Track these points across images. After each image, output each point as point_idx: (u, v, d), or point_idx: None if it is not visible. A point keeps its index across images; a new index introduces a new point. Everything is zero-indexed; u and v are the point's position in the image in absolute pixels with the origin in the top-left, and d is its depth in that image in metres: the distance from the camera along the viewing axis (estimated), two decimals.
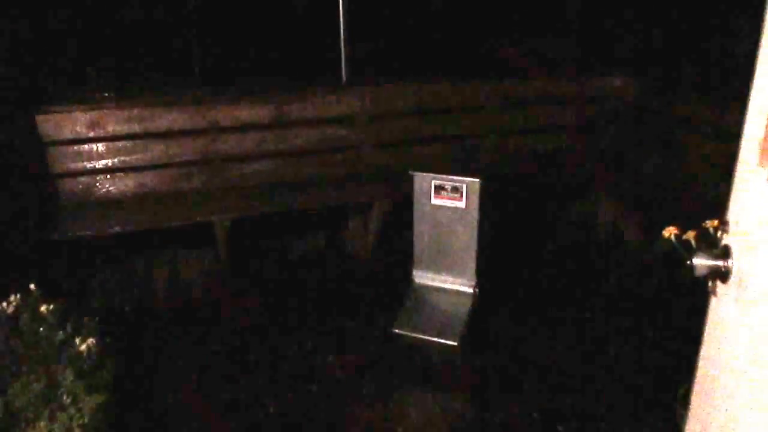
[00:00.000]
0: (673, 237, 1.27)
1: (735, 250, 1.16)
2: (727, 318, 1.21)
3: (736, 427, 1.20)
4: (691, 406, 1.39)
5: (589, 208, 4.69)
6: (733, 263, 1.16)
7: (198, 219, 3.82)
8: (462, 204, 3.39)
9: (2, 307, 2.46)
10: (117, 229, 3.65)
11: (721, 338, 1.24)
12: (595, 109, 4.81)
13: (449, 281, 3.56)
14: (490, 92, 4.63)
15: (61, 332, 2.44)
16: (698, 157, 3.97)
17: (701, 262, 1.18)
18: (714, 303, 1.25)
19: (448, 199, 3.41)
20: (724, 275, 1.18)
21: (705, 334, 1.30)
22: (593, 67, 5.11)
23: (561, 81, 4.80)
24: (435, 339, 3.33)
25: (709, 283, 1.24)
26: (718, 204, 1.26)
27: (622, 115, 4.72)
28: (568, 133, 4.83)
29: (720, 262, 1.17)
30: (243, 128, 4.15)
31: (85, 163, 3.88)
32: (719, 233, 1.22)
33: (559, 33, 5.82)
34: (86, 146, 3.87)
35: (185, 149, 4.06)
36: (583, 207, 4.76)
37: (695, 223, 1.27)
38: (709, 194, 3.62)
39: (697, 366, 1.33)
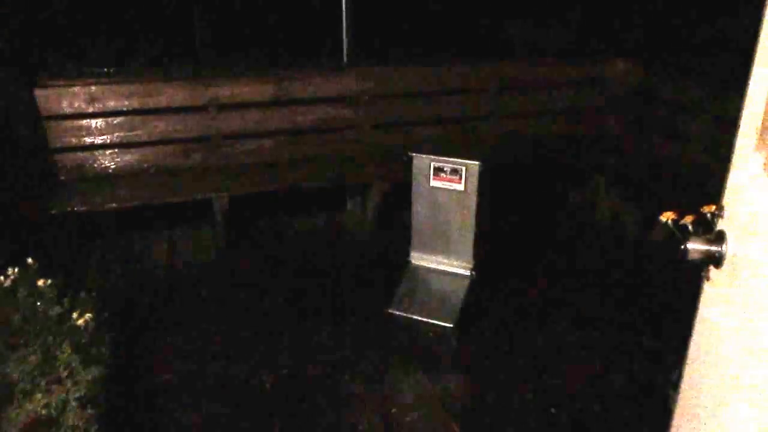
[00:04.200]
0: (670, 222, 1.27)
1: (729, 236, 1.16)
2: (719, 303, 1.21)
3: (726, 412, 1.21)
4: (681, 391, 1.40)
5: (589, 194, 4.69)
6: (727, 248, 1.16)
7: (197, 196, 3.82)
8: (461, 186, 3.38)
9: (0, 281, 2.47)
10: (115, 204, 3.65)
11: (713, 323, 1.24)
12: (597, 93, 4.79)
13: (446, 263, 3.56)
14: (492, 75, 4.61)
15: (58, 306, 2.45)
16: (699, 144, 3.96)
17: (695, 247, 1.18)
18: (707, 288, 1.26)
19: (447, 181, 3.41)
20: (717, 260, 1.18)
21: (697, 320, 1.30)
22: (595, 51, 5.07)
23: (563, 65, 4.77)
24: (431, 320, 3.34)
25: (703, 269, 1.25)
26: (717, 191, 1.26)
27: (624, 100, 4.70)
28: (569, 117, 4.82)
29: (714, 247, 1.17)
30: (243, 106, 4.14)
31: (84, 138, 3.87)
32: (715, 219, 1.22)
33: (562, 16, 5.78)
34: (85, 121, 3.86)
35: (185, 126, 4.05)
36: (582, 192, 4.76)
37: (694, 210, 1.27)
38: (709, 181, 3.62)
39: (688, 350, 1.34)
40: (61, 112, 3.80)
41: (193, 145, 4.12)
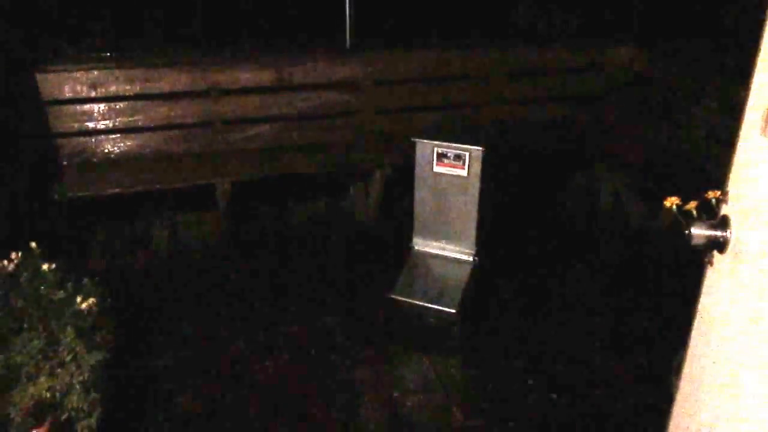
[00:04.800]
0: (674, 207, 1.27)
1: (733, 221, 1.15)
2: (721, 288, 1.21)
3: (728, 398, 1.21)
4: (683, 377, 1.40)
5: (592, 179, 4.68)
6: (731, 234, 1.15)
7: (199, 181, 3.82)
8: (464, 172, 3.37)
9: (3, 265, 2.47)
10: (117, 189, 3.65)
11: (715, 308, 1.24)
12: (601, 79, 4.76)
13: (449, 249, 3.56)
14: (495, 61, 4.58)
15: (61, 291, 2.46)
16: (702, 129, 3.94)
17: (699, 232, 1.18)
18: (710, 273, 1.25)
19: (450, 167, 3.39)
20: (721, 245, 1.17)
21: (699, 305, 1.30)
22: (598, 37, 5.04)
23: (567, 50, 4.74)
24: (433, 306, 3.34)
25: (707, 254, 1.24)
26: (722, 176, 1.25)
27: (627, 86, 4.67)
28: (573, 103, 4.79)
29: (718, 232, 1.17)
30: (245, 91, 4.12)
31: (86, 123, 3.87)
32: (719, 204, 1.22)
33: (565, 3, 5.74)
34: (87, 106, 3.85)
35: (187, 111, 4.04)
36: (585, 178, 4.75)
37: (698, 195, 1.26)
38: (713, 166, 3.61)
39: (690, 336, 1.34)
40: (63, 97, 3.79)
41: (195, 131, 4.11)
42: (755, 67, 1.11)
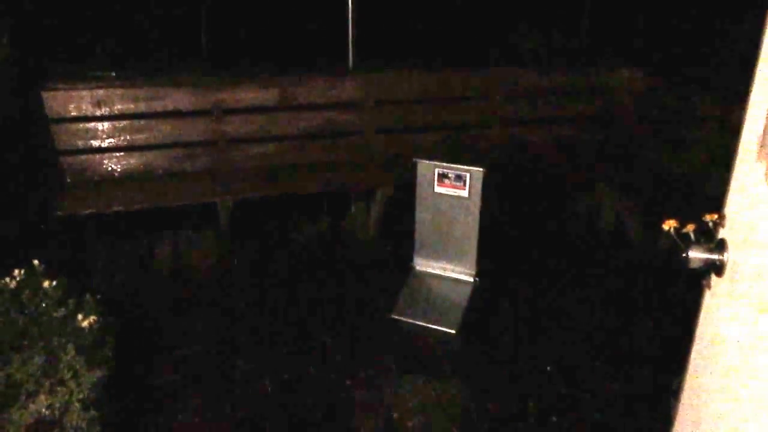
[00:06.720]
0: (672, 230, 1.28)
1: (730, 244, 1.16)
2: (720, 311, 1.21)
3: (727, 422, 1.21)
4: (682, 399, 1.41)
5: (593, 201, 4.69)
6: (728, 257, 1.16)
7: (201, 200, 3.84)
8: (465, 193, 3.39)
9: (5, 282, 2.48)
10: (120, 207, 3.67)
11: (714, 332, 1.24)
12: (602, 101, 4.79)
13: (449, 269, 3.57)
14: (496, 82, 4.62)
15: (62, 308, 2.46)
16: (703, 152, 3.96)
17: (696, 255, 1.19)
18: (708, 296, 1.26)
19: (451, 188, 3.41)
20: (718, 269, 1.18)
21: (698, 327, 1.31)
22: (601, 59, 5.09)
23: (568, 72, 4.78)
24: (433, 326, 3.34)
25: (704, 277, 1.25)
26: (720, 199, 1.26)
27: (629, 108, 4.70)
28: (574, 124, 4.82)
29: (715, 256, 1.18)
30: (248, 110, 4.16)
31: (91, 141, 3.90)
32: (717, 227, 1.23)
33: (568, 25, 5.80)
34: (92, 124, 3.88)
35: (190, 130, 4.07)
36: (586, 199, 4.76)
37: (697, 217, 1.27)
38: (712, 189, 3.62)
39: (689, 358, 1.35)
40: (68, 115, 3.82)
41: (198, 149, 4.14)
42: (750, 93, 1.13)
